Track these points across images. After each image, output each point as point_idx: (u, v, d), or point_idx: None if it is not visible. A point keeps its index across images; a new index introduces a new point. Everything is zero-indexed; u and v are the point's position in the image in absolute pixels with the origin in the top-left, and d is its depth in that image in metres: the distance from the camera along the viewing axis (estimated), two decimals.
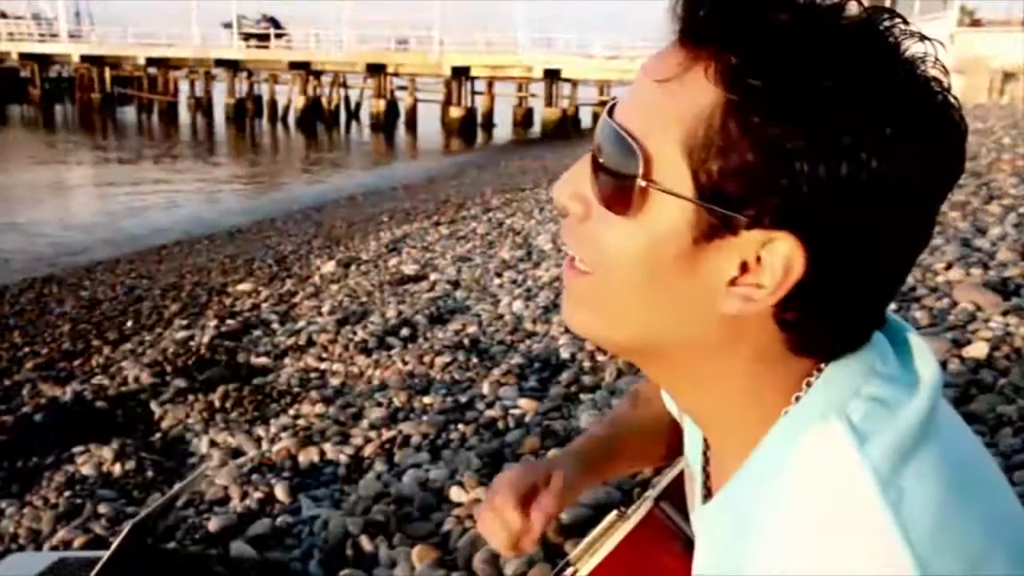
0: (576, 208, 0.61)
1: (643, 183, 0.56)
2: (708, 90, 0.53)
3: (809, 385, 0.59)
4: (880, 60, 0.52)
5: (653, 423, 1.02)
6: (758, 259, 0.55)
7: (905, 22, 0.54)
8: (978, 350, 2.91)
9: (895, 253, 0.56)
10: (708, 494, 0.71)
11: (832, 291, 0.55)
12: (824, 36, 0.52)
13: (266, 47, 37.64)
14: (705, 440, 0.73)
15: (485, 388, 3.32)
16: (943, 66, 0.55)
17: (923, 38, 0.54)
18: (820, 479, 0.55)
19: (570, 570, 0.98)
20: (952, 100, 0.54)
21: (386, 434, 2.94)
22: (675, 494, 0.90)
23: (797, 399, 0.59)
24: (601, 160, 0.59)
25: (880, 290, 0.58)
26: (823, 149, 0.51)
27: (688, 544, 0.83)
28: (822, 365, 0.59)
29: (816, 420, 0.57)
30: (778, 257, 0.54)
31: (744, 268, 0.55)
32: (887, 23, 0.53)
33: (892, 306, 3.74)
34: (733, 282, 0.56)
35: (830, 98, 0.51)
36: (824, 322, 0.57)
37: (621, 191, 0.57)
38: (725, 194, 0.53)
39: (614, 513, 0.99)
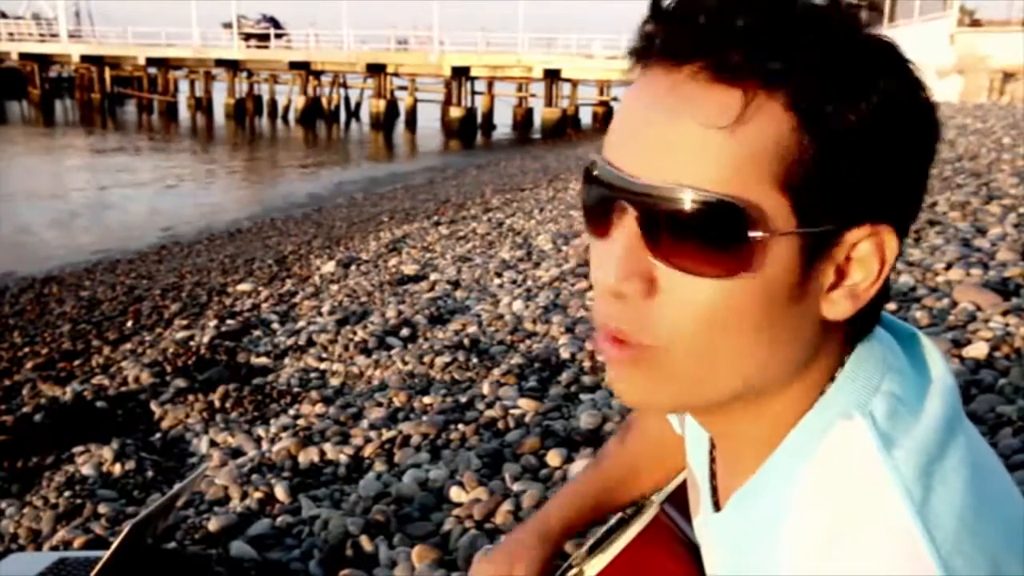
0: (634, 288, 0.55)
1: (761, 235, 0.52)
2: (781, 118, 0.52)
3: (833, 380, 0.59)
4: (887, 40, 0.55)
5: (647, 452, 1.01)
6: (848, 259, 0.56)
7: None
8: (978, 350, 2.91)
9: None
10: (716, 499, 0.71)
11: (894, 265, 0.58)
12: (845, 33, 0.54)
13: (266, 47, 37.65)
14: (711, 445, 0.73)
15: (485, 388, 3.32)
16: None
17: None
18: (843, 481, 0.55)
19: (573, 571, 0.98)
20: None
21: (386, 434, 2.94)
22: (680, 499, 0.90)
23: (822, 395, 0.59)
24: (680, 231, 0.53)
25: None
26: (896, 133, 0.54)
27: (693, 550, 0.83)
28: (844, 360, 0.60)
29: (839, 418, 0.57)
30: (868, 249, 0.55)
31: (838, 271, 0.56)
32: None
33: (891, 306, 3.71)
34: (831, 289, 0.56)
35: (883, 85, 0.53)
36: (881, 301, 0.60)
37: (726, 255, 0.53)
38: (824, 211, 0.53)
39: (619, 516, 0.99)
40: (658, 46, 0.54)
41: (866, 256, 0.55)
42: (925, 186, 0.58)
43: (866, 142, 0.52)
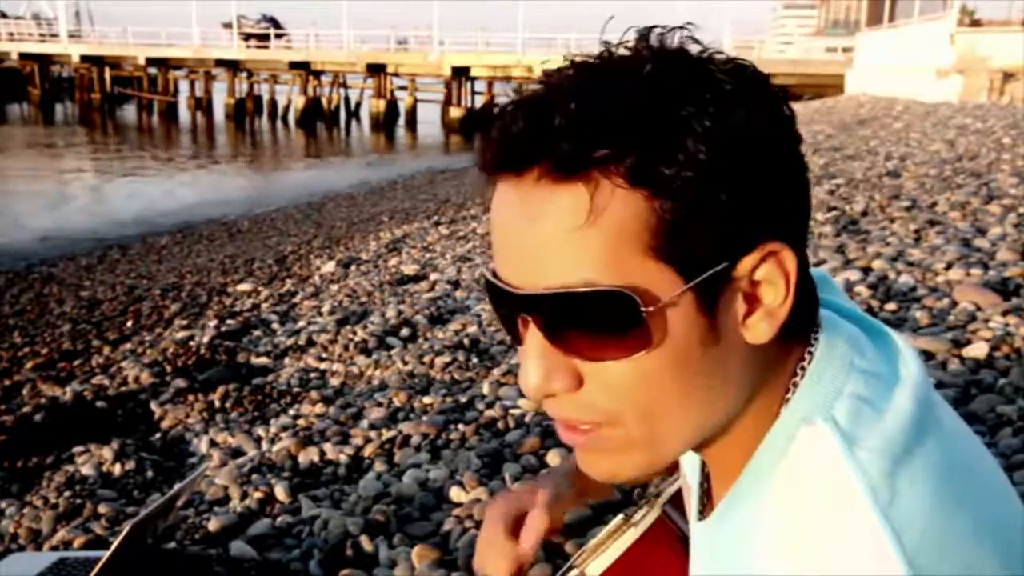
0: (562, 385, 0.58)
1: (651, 309, 0.54)
2: (629, 195, 0.53)
3: (796, 386, 0.60)
4: (730, 79, 0.55)
5: None
6: (753, 283, 0.56)
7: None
8: (978, 350, 2.91)
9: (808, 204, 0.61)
10: (704, 508, 0.71)
11: (801, 261, 0.59)
12: (675, 89, 0.54)
13: (266, 47, 37.70)
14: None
15: (485, 388, 3.32)
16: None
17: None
18: (809, 485, 0.55)
19: (575, 572, 0.98)
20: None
21: (386, 434, 2.94)
22: (681, 501, 0.90)
23: (786, 402, 0.60)
24: (578, 328, 0.56)
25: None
26: (743, 161, 0.54)
27: None
28: (804, 364, 0.60)
29: (802, 424, 0.57)
30: (770, 268, 0.56)
31: (748, 298, 0.57)
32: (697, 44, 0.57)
33: (892, 306, 3.69)
34: (747, 315, 0.57)
35: (709, 124, 0.53)
36: (808, 299, 0.60)
37: (627, 337, 0.55)
38: (705, 257, 0.54)
39: (620, 516, 0.99)
40: (497, 160, 0.56)
41: (769, 276, 0.56)
42: (803, 194, 0.59)
43: (717, 181, 0.53)
